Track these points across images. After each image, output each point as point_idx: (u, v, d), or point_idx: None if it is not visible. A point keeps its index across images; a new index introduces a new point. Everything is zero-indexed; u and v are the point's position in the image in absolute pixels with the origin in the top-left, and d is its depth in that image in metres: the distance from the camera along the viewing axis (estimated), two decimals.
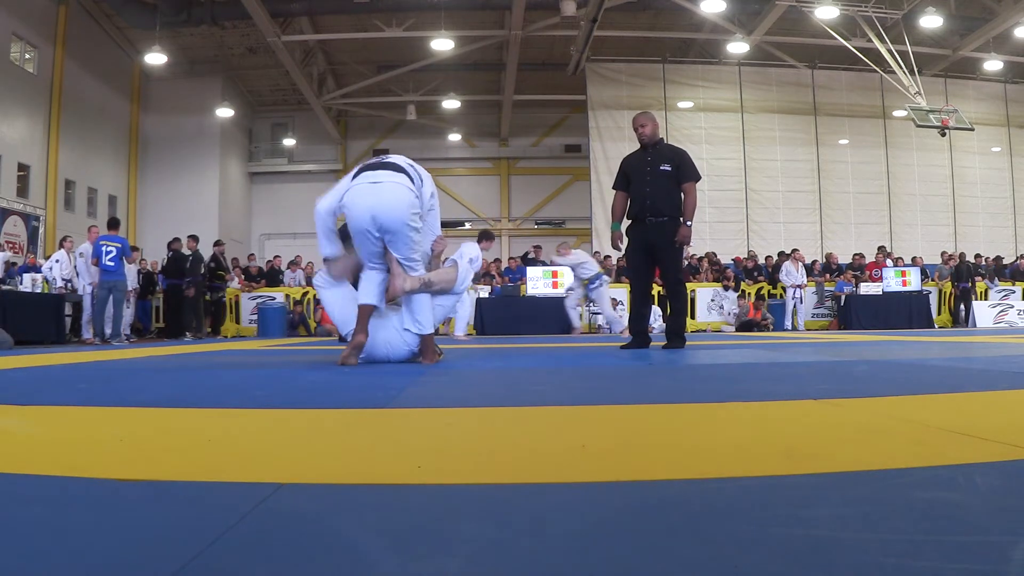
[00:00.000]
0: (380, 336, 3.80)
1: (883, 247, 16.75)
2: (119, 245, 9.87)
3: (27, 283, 10.29)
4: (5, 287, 9.84)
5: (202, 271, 12.55)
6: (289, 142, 23.50)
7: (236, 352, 6.09)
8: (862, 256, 15.99)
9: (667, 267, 5.52)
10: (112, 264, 9.76)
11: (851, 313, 14.14)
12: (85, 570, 0.68)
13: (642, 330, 5.57)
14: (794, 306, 14.22)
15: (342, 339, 4.36)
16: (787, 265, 14.41)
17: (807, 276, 14.73)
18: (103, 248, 9.75)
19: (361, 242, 3.69)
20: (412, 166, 3.81)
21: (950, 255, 15.77)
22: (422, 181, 3.79)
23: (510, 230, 23.57)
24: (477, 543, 0.77)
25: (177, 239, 12.82)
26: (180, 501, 0.96)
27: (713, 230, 17.59)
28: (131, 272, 12.51)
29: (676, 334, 5.45)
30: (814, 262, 15.89)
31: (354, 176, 3.72)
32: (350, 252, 3.85)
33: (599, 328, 13.21)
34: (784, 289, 14.49)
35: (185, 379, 3.16)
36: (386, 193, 3.56)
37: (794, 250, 14.75)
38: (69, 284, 10.77)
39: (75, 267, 11.06)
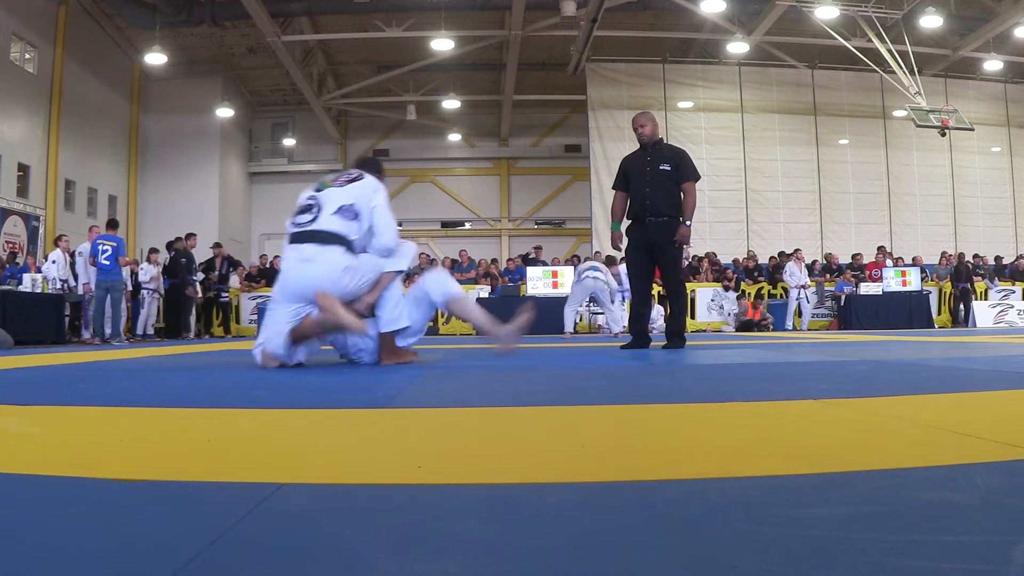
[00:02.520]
0: (351, 338, 3.79)
1: (883, 247, 16.75)
2: (115, 244, 9.88)
3: (27, 283, 10.29)
4: (5, 287, 9.84)
5: (185, 269, 12.46)
6: (289, 142, 23.49)
7: (236, 352, 6.09)
8: (861, 256, 15.99)
9: (667, 267, 5.53)
10: (107, 263, 9.76)
11: (851, 313, 14.14)
12: (85, 570, 0.68)
13: (642, 330, 5.58)
14: (798, 306, 14.16)
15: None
16: (791, 265, 14.36)
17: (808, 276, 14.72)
18: (99, 247, 9.76)
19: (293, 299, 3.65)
20: (361, 185, 3.76)
21: (949, 255, 15.76)
22: (373, 193, 3.76)
23: (510, 230, 23.56)
24: (477, 543, 0.77)
25: (179, 239, 12.82)
26: (180, 501, 0.95)
27: (713, 230, 17.59)
28: (152, 272, 12.52)
29: (676, 334, 5.45)
30: (814, 262, 15.89)
31: (290, 237, 3.73)
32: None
33: (599, 328, 13.22)
34: (784, 289, 14.47)
35: (185, 379, 3.16)
36: (318, 269, 3.54)
37: (796, 250, 14.73)
38: (65, 284, 10.74)
39: (71, 266, 11.06)
